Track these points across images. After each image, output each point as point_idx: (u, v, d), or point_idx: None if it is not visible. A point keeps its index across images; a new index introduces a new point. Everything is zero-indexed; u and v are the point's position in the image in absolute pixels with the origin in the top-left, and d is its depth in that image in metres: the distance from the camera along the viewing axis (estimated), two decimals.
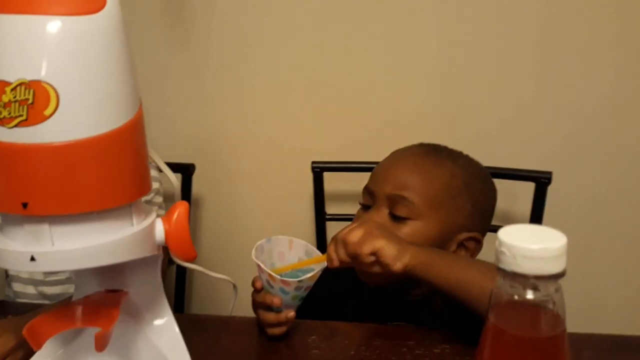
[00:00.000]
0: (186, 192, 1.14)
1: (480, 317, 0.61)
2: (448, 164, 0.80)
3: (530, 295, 0.33)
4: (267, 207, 1.22)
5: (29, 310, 0.74)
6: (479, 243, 0.79)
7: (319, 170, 1.11)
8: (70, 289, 0.99)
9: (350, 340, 0.71)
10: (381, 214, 0.78)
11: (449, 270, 0.65)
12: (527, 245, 0.32)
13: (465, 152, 0.87)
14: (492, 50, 1.09)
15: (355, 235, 0.65)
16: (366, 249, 0.64)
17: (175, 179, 0.60)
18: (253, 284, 0.72)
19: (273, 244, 0.74)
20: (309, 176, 1.11)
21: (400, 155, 0.84)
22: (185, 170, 1.14)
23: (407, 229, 0.76)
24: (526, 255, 0.32)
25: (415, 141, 0.90)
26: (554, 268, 0.32)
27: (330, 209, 1.14)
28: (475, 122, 1.12)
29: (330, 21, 1.12)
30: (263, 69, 1.16)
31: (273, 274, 0.68)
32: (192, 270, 1.23)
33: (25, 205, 0.43)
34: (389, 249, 0.64)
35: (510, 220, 1.08)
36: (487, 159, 0.89)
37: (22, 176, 0.43)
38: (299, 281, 0.67)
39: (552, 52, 1.07)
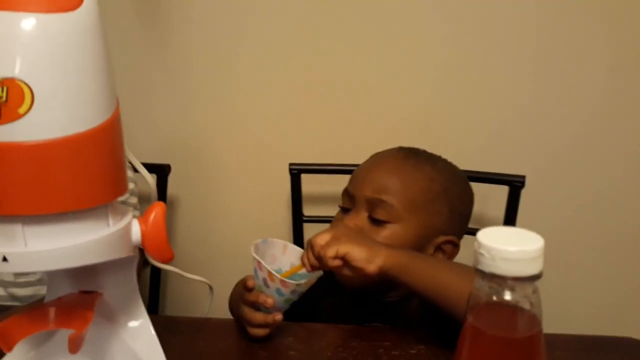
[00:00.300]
0: (161, 192, 1.12)
1: (456, 319, 0.63)
2: (427, 168, 0.81)
3: (508, 296, 0.33)
4: (244, 208, 1.22)
5: None
6: (456, 246, 0.80)
7: (296, 172, 1.11)
8: (41, 290, 0.96)
9: (327, 342, 0.71)
10: (360, 217, 0.78)
11: (425, 273, 0.65)
12: (506, 247, 0.32)
13: (439, 155, 0.87)
14: (469, 55, 1.10)
15: (322, 239, 0.66)
16: (330, 252, 0.64)
17: (151, 180, 0.59)
18: (244, 282, 0.71)
19: (268, 246, 0.73)
20: (287, 178, 1.11)
21: (379, 159, 0.84)
22: (160, 171, 1.13)
23: (386, 232, 0.76)
24: (504, 257, 0.32)
25: (391, 144, 0.91)
26: (532, 270, 0.32)
27: (308, 210, 1.14)
28: (450, 126, 1.13)
29: (310, 23, 1.12)
30: (242, 69, 1.16)
31: (274, 272, 0.67)
32: (166, 271, 1.21)
33: None
34: (356, 252, 0.64)
35: (484, 222, 1.10)
36: (461, 163, 0.90)
37: None
38: (297, 284, 0.67)
39: (528, 57, 1.09)
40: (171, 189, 1.16)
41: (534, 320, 0.34)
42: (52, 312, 0.52)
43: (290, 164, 1.10)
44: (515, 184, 1.01)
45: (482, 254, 0.33)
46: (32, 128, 0.41)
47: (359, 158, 0.93)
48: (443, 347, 0.68)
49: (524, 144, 1.13)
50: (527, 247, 0.32)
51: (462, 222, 0.84)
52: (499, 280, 0.33)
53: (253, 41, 1.14)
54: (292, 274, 0.71)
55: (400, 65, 1.12)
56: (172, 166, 1.14)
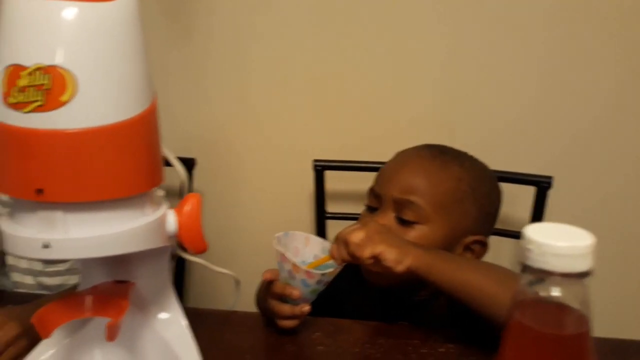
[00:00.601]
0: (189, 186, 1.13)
1: (482, 318, 0.62)
2: (455, 168, 0.79)
3: (556, 292, 0.33)
4: (268, 203, 1.22)
5: (28, 300, 0.72)
6: (484, 246, 0.79)
7: (320, 168, 1.10)
8: (69, 280, 0.97)
9: (355, 338, 0.71)
10: (388, 218, 0.77)
11: (451, 273, 0.65)
12: (557, 242, 0.31)
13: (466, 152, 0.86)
14: (495, 54, 1.09)
15: (357, 237, 0.65)
16: (366, 253, 0.64)
17: (183, 172, 0.59)
18: (263, 276, 0.71)
19: (290, 239, 0.73)
20: (310, 174, 1.10)
21: (406, 158, 0.83)
22: (186, 165, 1.12)
23: (413, 233, 0.75)
24: (555, 252, 0.31)
25: (417, 142, 0.89)
26: (581, 266, 0.32)
27: (331, 207, 1.14)
28: (478, 125, 1.12)
29: (334, 19, 1.12)
30: (266, 65, 1.16)
31: (298, 264, 0.67)
32: (190, 263, 1.22)
33: (39, 191, 0.42)
34: (389, 253, 0.63)
35: (510, 223, 1.08)
36: (488, 162, 0.89)
37: (37, 162, 0.42)
38: (322, 274, 0.67)
39: (554, 57, 1.07)
40: (196, 183, 1.17)
41: (583, 319, 0.33)
42: (88, 300, 0.52)
43: (315, 161, 1.10)
44: (542, 185, 0.99)
45: (530, 250, 0.32)
46: (74, 116, 0.41)
47: (383, 155, 0.92)
48: (472, 346, 0.68)
49: (551, 144, 1.11)
50: (578, 243, 0.31)
51: (490, 221, 0.83)
52: (547, 276, 0.32)
53: (277, 37, 1.14)
54: (318, 266, 0.70)
55: (427, 63, 1.11)
56: (197, 160, 1.14)
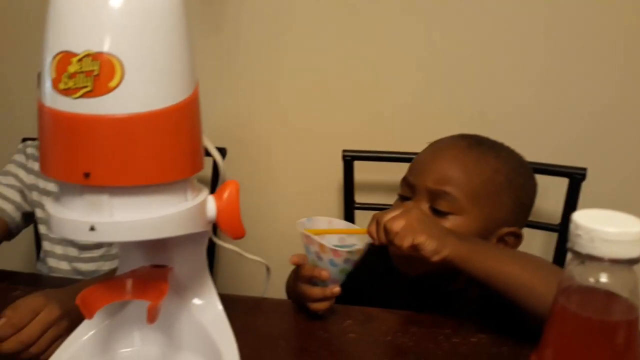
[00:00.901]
0: (217, 175, 1.14)
1: (518, 309, 0.62)
2: (490, 159, 0.78)
3: (604, 279, 0.32)
4: (297, 193, 1.22)
5: (64, 284, 0.74)
6: (518, 238, 0.78)
7: (349, 159, 1.10)
8: (103, 266, 1.00)
9: (387, 326, 0.71)
10: (422, 208, 0.76)
11: (489, 264, 0.64)
12: (605, 228, 0.31)
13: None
14: (526, 44, 1.08)
15: (397, 225, 0.65)
16: (406, 242, 0.64)
17: (221, 160, 0.60)
18: (293, 261, 0.72)
19: (313, 223, 0.74)
20: (340, 164, 1.11)
21: (441, 148, 0.81)
22: None
23: (448, 224, 0.74)
24: (605, 238, 0.31)
25: (448, 133, 0.88)
26: (631, 252, 0.31)
27: (359, 197, 1.14)
28: (510, 115, 1.11)
29: (365, 8, 1.11)
30: (295, 56, 1.16)
31: (325, 244, 0.67)
32: (221, 251, 1.24)
33: (87, 175, 0.43)
34: (429, 244, 0.63)
35: (543, 215, 1.07)
36: (521, 153, 0.88)
37: (85, 146, 0.43)
38: (349, 252, 0.67)
39: (585, 47, 1.06)
40: (227, 172, 1.18)
41: (631, 306, 0.32)
42: (129, 283, 0.53)
43: (344, 151, 1.10)
44: (575, 176, 0.98)
45: (579, 235, 0.32)
46: (121, 102, 0.42)
47: (412, 146, 0.92)
48: (504, 336, 0.68)
49: (585, 135, 1.09)
50: (628, 229, 0.31)
51: (525, 213, 0.81)
52: (596, 262, 0.32)
53: (306, 27, 1.14)
54: (334, 245, 0.71)
55: (456, 54, 1.11)
56: (227, 150, 1.16)
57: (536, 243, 1.09)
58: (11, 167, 1.00)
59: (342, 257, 0.68)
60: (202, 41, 1.18)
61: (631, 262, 0.32)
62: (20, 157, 1.01)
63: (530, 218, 0.95)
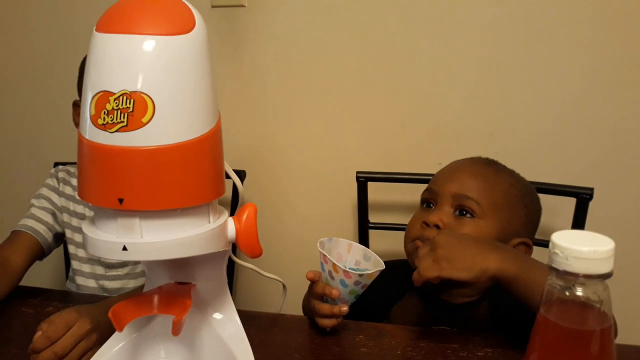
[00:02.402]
0: (237, 197, 1.20)
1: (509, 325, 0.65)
2: (506, 175, 0.87)
3: (579, 292, 0.37)
4: (313, 212, 1.27)
5: (92, 301, 0.80)
6: (529, 248, 0.85)
7: (363, 180, 1.15)
8: (128, 283, 1.05)
9: (397, 341, 0.75)
10: (445, 212, 0.82)
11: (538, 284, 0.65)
12: (579, 247, 0.36)
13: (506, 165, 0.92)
14: (530, 65, 1.12)
15: (425, 265, 0.68)
16: (432, 276, 0.67)
17: (240, 184, 0.65)
18: (308, 276, 0.77)
19: (333, 244, 0.79)
20: (354, 185, 1.15)
21: (461, 163, 0.90)
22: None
23: (469, 227, 0.80)
24: (577, 256, 0.36)
25: (456, 155, 0.95)
26: (602, 268, 0.36)
27: (373, 217, 1.18)
28: (516, 136, 1.15)
29: (375, 36, 1.17)
30: (311, 81, 1.22)
31: (337, 264, 0.72)
32: (239, 268, 1.29)
33: (121, 200, 0.49)
34: (458, 276, 0.66)
35: (550, 234, 1.10)
36: (528, 174, 0.92)
37: (120, 175, 0.48)
38: (360, 275, 0.72)
39: (590, 68, 1.09)
40: (246, 193, 1.23)
41: (604, 316, 0.37)
42: (155, 299, 0.58)
43: (358, 172, 1.15)
44: (582, 196, 1.01)
45: (556, 253, 0.37)
46: (152, 135, 0.48)
47: (422, 167, 0.97)
48: (510, 350, 0.71)
49: (591, 154, 1.12)
50: (598, 248, 0.36)
51: (534, 228, 0.89)
52: (572, 278, 0.36)
53: (323, 52, 1.20)
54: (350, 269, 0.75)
55: (464, 76, 1.15)
56: (246, 172, 1.21)
57: (544, 262, 1.12)
58: (44, 191, 1.07)
59: (352, 279, 0.73)
60: (221, 67, 1.25)
61: (603, 277, 0.36)
62: (52, 181, 1.08)
63: (540, 237, 0.99)
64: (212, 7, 1.23)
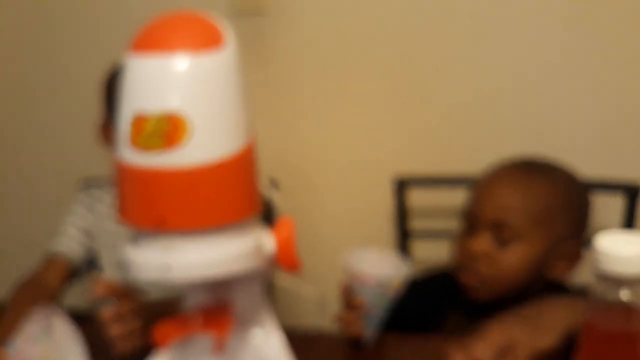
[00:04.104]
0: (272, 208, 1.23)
1: None
2: (542, 182, 0.87)
3: (623, 295, 0.39)
4: (349, 220, 1.30)
5: None
6: (579, 252, 0.86)
7: (400, 185, 1.17)
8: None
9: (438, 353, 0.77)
10: (485, 240, 0.84)
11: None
12: (620, 250, 0.38)
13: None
14: (578, 58, 1.12)
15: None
16: None
17: (276, 198, 0.68)
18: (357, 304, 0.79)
19: (363, 253, 0.81)
20: (389, 190, 1.18)
21: (495, 178, 0.90)
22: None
23: (511, 251, 0.83)
24: (620, 258, 0.38)
25: (502, 152, 0.96)
26: None
27: (411, 222, 1.20)
28: (564, 132, 1.15)
29: (409, 36, 1.19)
30: (341, 86, 1.25)
31: (360, 270, 0.76)
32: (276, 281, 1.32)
33: (161, 221, 0.52)
34: None
35: (600, 230, 1.10)
36: (576, 169, 0.94)
37: (159, 196, 0.52)
38: (378, 281, 0.75)
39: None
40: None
41: None
42: (198, 317, 0.62)
43: (394, 176, 1.17)
44: (632, 191, 1.02)
45: (598, 257, 0.39)
46: (189, 155, 0.51)
47: (465, 167, 0.99)
48: None
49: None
50: None
51: (582, 226, 0.89)
52: (614, 280, 0.38)
53: (354, 55, 1.23)
54: None
55: (509, 71, 1.16)
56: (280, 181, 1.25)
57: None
58: (75, 208, 1.12)
59: (371, 286, 0.76)
60: (251, 77, 1.28)
61: None
62: (83, 199, 1.13)
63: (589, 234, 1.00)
64: (236, 15, 1.28)
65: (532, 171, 0.89)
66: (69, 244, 1.07)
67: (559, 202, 0.85)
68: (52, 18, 1.41)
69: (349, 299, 0.78)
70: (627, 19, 1.09)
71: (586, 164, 1.10)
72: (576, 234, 0.87)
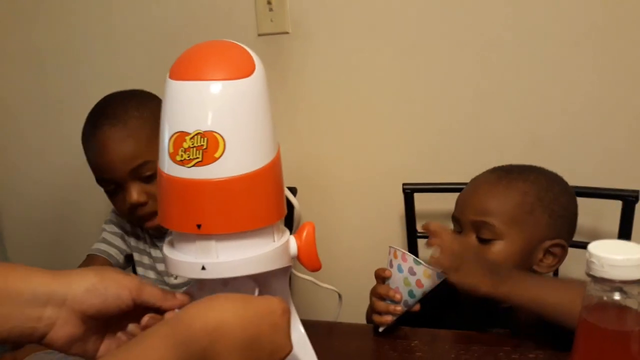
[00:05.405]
0: (290, 211, 1.25)
1: (557, 326, 0.69)
2: (519, 184, 0.89)
3: (616, 296, 0.40)
4: (363, 225, 1.32)
5: None
6: (563, 248, 0.87)
7: (409, 191, 1.19)
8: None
9: (450, 345, 0.79)
10: (470, 239, 0.88)
11: (532, 296, 0.74)
12: (613, 256, 0.39)
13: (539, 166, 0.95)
14: (573, 69, 1.13)
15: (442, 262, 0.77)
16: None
17: (297, 204, 0.71)
18: (382, 272, 0.83)
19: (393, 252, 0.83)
20: (401, 196, 1.20)
21: (475, 184, 0.94)
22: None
23: (494, 249, 0.86)
24: (612, 264, 0.39)
25: (501, 161, 0.98)
26: (637, 274, 0.39)
27: (420, 227, 1.22)
28: (560, 141, 1.16)
29: (418, 45, 1.21)
30: (355, 99, 1.27)
31: (407, 253, 0.79)
32: (295, 280, 1.34)
33: (199, 226, 0.55)
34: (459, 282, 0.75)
35: (598, 237, 1.09)
36: (573, 178, 0.95)
37: (197, 204, 0.55)
38: (415, 259, 0.78)
39: (634, 67, 1.10)
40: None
41: None
42: None
43: (404, 184, 1.19)
44: (629, 199, 1.02)
45: (593, 262, 0.40)
46: (224, 168, 0.54)
47: (467, 175, 1.00)
48: (561, 352, 0.74)
49: (637, 157, 1.13)
50: (631, 256, 0.39)
51: (566, 224, 0.90)
52: (608, 284, 0.40)
53: (367, 73, 1.25)
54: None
55: (506, 83, 1.17)
56: (297, 189, 1.27)
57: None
58: (112, 216, 1.15)
59: (407, 263, 0.78)
60: (270, 92, 1.31)
61: (638, 281, 0.39)
62: None
63: (587, 240, 1.00)
64: (259, 35, 1.30)
65: (509, 174, 0.91)
66: (108, 248, 1.10)
67: (534, 203, 0.87)
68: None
69: (381, 271, 0.81)
70: (632, 26, 1.09)
71: (587, 173, 1.11)
72: (559, 230, 0.88)
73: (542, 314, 0.73)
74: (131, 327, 0.58)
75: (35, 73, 1.51)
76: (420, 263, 0.78)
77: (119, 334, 0.58)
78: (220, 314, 0.48)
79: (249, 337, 0.48)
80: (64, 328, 0.53)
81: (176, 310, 0.58)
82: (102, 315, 0.55)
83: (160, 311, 0.58)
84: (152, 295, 0.57)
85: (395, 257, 0.80)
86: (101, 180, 1.02)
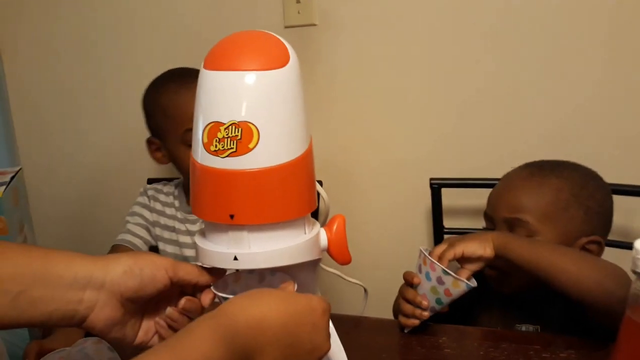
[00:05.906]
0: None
1: (568, 298, 0.70)
2: (552, 180, 0.87)
3: None
4: (390, 219, 1.31)
5: None
6: (600, 245, 0.85)
7: (437, 186, 1.18)
8: None
9: (479, 342, 0.78)
10: None
11: (531, 250, 0.74)
12: None
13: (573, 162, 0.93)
14: (608, 65, 1.11)
15: (439, 249, 0.79)
16: (449, 255, 0.76)
17: (326, 196, 0.70)
18: (410, 279, 0.81)
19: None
20: (427, 191, 1.18)
21: (508, 180, 0.92)
22: None
23: None
24: None
25: (530, 158, 0.96)
26: None
27: (448, 222, 1.21)
28: (592, 138, 1.14)
29: (445, 45, 1.20)
30: (383, 93, 1.26)
31: (435, 263, 0.76)
32: (322, 274, 1.34)
33: (232, 216, 0.55)
34: (469, 246, 0.75)
35: (632, 235, 1.08)
36: (605, 175, 0.92)
37: (230, 194, 0.54)
38: (444, 270, 0.75)
39: None
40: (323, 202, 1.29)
41: None
42: None
43: (431, 179, 1.18)
44: None
45: (638, 258, 0.39)
46: (258, 159, 0.53)
47: (494, 171, 0.99)
48: (594, 352, 0.72)
49: None
50: None
51: (602, 220, 0.88)
52: None
53: (392, 64, 1.24)
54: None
55: (538, 79, 1.15)
56: (323, 182, 1.27)
57: (624, 263, 1.10)
58: (136, 208, 1.16)
59: (436, 273, 0.76)
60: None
61: None
62: (143, 199, 1.17)
63: (619, 238, 0.99)
64: (285, 27, 1.30)
65: (542, 170, 0.89)
66: (132, 238, 1.11)
67: (569, 199, 0.85)
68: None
69: (411, 275, 0.80)
70: None
71: (615, 172, 1.08)
72: (595, 227, 0.86)
73: (541, 273, 0.73)
74: (169, 310, 0.58)
75: (58, 72, 1.53)
76: (449, 273, 0.76)
77: (157, 319, 0.58)
78: (263, 310, 0.48)
79: (289, 334, 0.48)
80: (103, 311, 0.53)
81: (213, 290, 0.58)
82: (140, 297, 0.55)
83: (195, 294, 0.58)
84: (187, 272, 0.58)
85: (425, 263, 0.78)
86: (188, 130, 1.01)
